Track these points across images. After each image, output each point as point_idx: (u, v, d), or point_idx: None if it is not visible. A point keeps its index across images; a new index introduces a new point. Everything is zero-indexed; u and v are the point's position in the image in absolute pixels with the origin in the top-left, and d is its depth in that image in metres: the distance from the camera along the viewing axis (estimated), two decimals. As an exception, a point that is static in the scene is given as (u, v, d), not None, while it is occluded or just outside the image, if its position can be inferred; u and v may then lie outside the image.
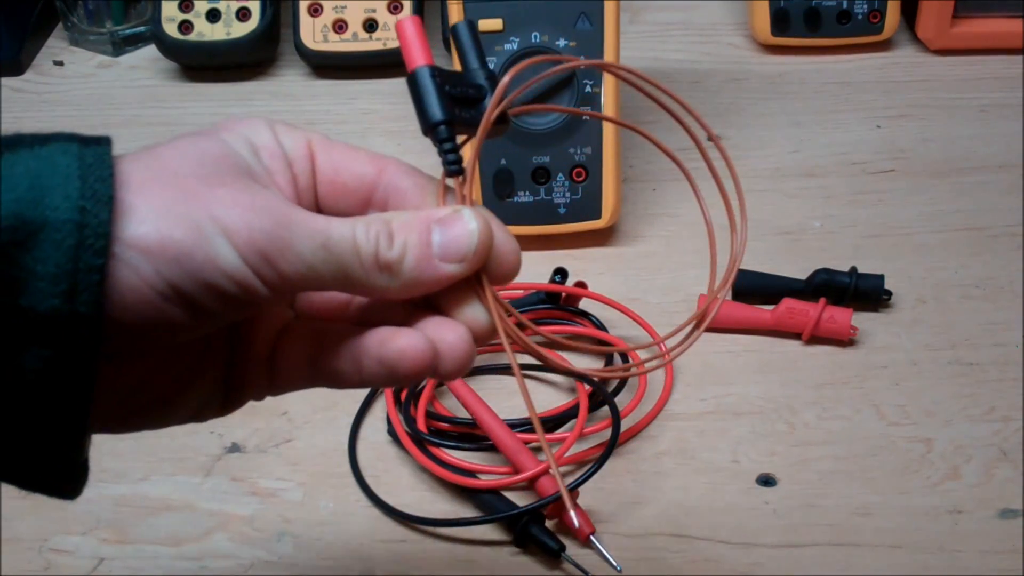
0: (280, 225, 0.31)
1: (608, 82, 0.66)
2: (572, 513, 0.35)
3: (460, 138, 0.35)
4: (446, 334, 0.34)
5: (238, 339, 0.35)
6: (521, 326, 0.35)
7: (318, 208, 0.35)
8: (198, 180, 0.31)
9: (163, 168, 0.31)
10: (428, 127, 0.34)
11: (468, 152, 0.34)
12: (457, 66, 0.36)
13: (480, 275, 0.34)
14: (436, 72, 0.34)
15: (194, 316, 0.30)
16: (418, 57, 0.34)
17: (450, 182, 0.34)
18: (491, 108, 0.34)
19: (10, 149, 0.29)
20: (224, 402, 0.36)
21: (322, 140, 0.35)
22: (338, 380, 0.35)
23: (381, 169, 0.35)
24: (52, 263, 0.28)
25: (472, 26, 0.36)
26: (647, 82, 0.36)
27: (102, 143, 0.30)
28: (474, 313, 0.34)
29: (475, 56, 0.36)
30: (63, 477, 0.32)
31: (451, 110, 0.34)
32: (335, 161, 0.35)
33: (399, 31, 0.34)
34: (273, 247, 0.30)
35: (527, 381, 0.61)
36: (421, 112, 0.34)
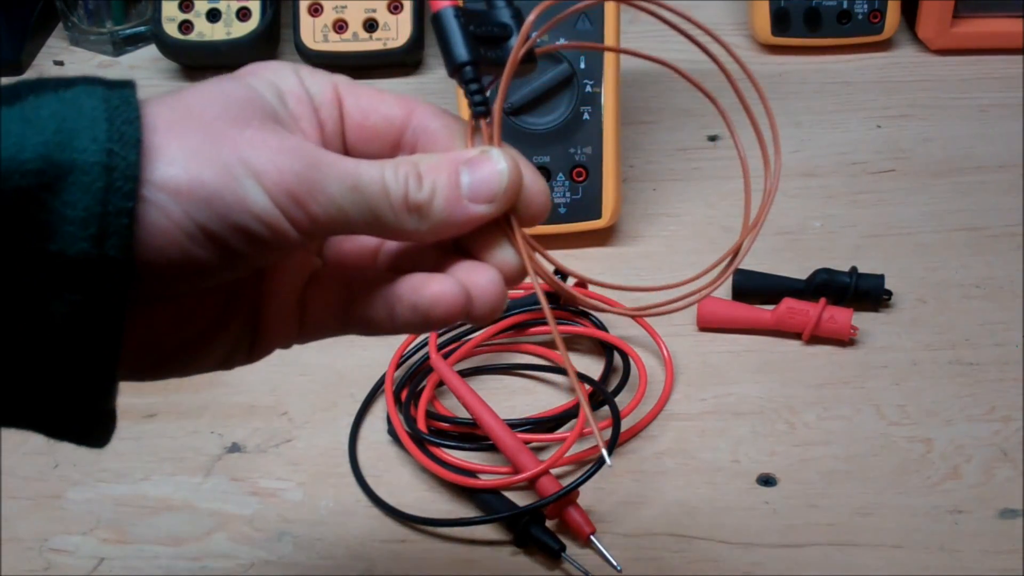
0: (310, 167, 0.31)
1: (608, 82, 0.66)
2: (597, 433, 0.34)
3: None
4: (478, 278, 0.33)
5: (266, 286, 0.35)
6: (561, 278, 0.35)
7: (347, 152, 0.35)
8: (225, 122, 0.30)
9: (189, 110, 0.31)
10: (453, 68, 0.34)
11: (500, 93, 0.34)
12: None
13: (509, 217, 0.33)
14: (460, 12, 0.34)
15: (223, 259, 0.30)
16: None
17: (477, 123, 0.34)
18: (518, 46, 0.33)
19: (35, 92, 0.29)
20: (251, 349, 0.36)
21: (348, 83, 0.35)
22: (371, 327, 0.35)
23: (410, 111, 0.35)
24: (81, 207, 0.28)
25: None
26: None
27: (127, 86, 0.30)
28: (504, 255, 0.34)
29: None
30: (91, 425, 0.32)
31: (476, 50, 0.33)
32: (363, 105, 0.35)
33: None
34: (303, 189, 0.30)
35: (527, 381, 0.61)
36: (446, 53, 0.34)
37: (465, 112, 0.68)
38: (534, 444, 0.56)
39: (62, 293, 0.28)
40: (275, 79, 0.33)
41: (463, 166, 0.33)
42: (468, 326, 0.62)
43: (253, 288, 0.35)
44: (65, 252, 0.28)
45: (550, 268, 0.35)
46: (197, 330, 0.34)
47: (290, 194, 0.30)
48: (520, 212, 0.34)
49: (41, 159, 0.27)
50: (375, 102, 0.35)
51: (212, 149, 0.30)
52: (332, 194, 0.31)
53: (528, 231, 0.35)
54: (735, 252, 0.37)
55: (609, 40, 0.66)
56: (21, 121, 0.28)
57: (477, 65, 0.34)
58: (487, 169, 0.33)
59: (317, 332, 0.36)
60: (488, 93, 0.34)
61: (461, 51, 0.33)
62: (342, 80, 0.35)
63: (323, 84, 0.34)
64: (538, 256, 0.34)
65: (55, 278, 0.28)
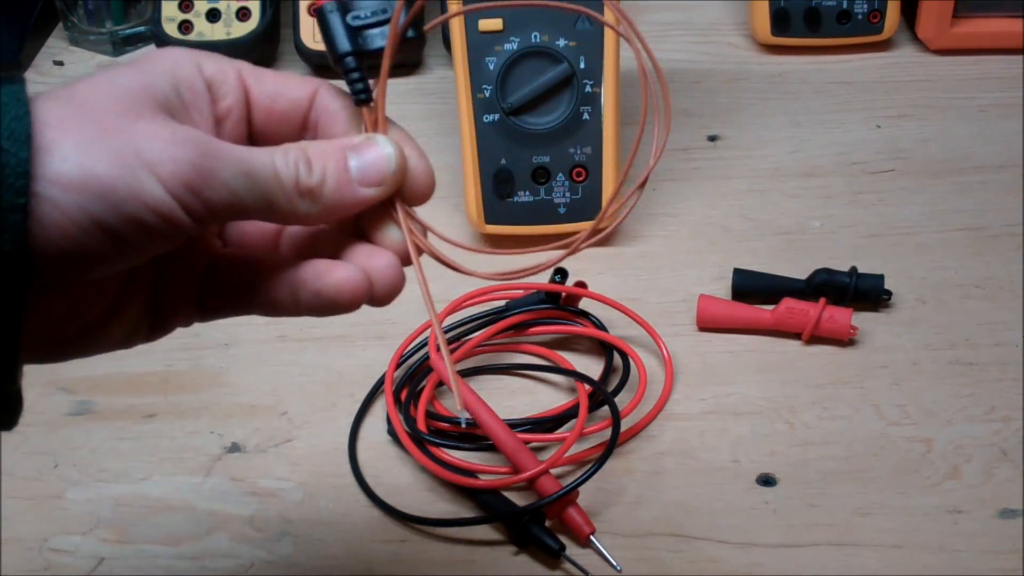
0: (203, 155, 0.31)
1: (608, 82, 0.66)
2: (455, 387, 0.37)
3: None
4: (377, 262, 0.35)
5: (165, 267, 0.36)
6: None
7: (254, 136, 0.36)
8: (118, 115, 0.31)
9: (81, 104, 0.31)
10: (335, 59, 0.36)
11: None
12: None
13: (393, 199, 0.36)
14: (340, 5, 0.36)
15: (118, 249, 0.31)
16: None
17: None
18: (391, 38, 0.35)
19: None
20: (151, 329, 0.37)
21: (252, 69, 0.36)
22: (273, 309, 0.36)
23: (314, 92, 0.36)
24: None
25: None
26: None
27: (17, 81, 0.30)
28: (394, 235, 0.36)
29: None
30: None
31: (355, 40, 0.35)
32: (269, 90, 0.36)
33: None
34: (198, 177, 0.31)
35: (527, 381, 0.61)
36: (328, 46, 0.36)
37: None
38: (534, 444, 0.56)
39: None
40: (173, 68, 0.34)
41: (350, 151, 0.35)
42: (468, 326, 0.62)
43: (152, 271, 0.36)
44: None
45: (449, 249, 0.37)
46: (96, 314, 0.35)
47: (185, 183, 0.31)
48: (406, 193, 0.36)
49: None
50: (281, 86, 0.36)
51: (105, 142, 0.30)
52: (226, 181, 0.32)
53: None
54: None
55: (609, 40, 0.66)
56: None
57: (358, 55, 0.36)
58: (373, 153, 0.35)
59: (218, 312, 0.37)
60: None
61: (340, 43, 0.36)
62: (245, 66, 0.36)
63: (226, 71, 0.35)
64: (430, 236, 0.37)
65: None
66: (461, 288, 0.62)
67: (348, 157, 0.35)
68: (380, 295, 0.36)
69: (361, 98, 0.36)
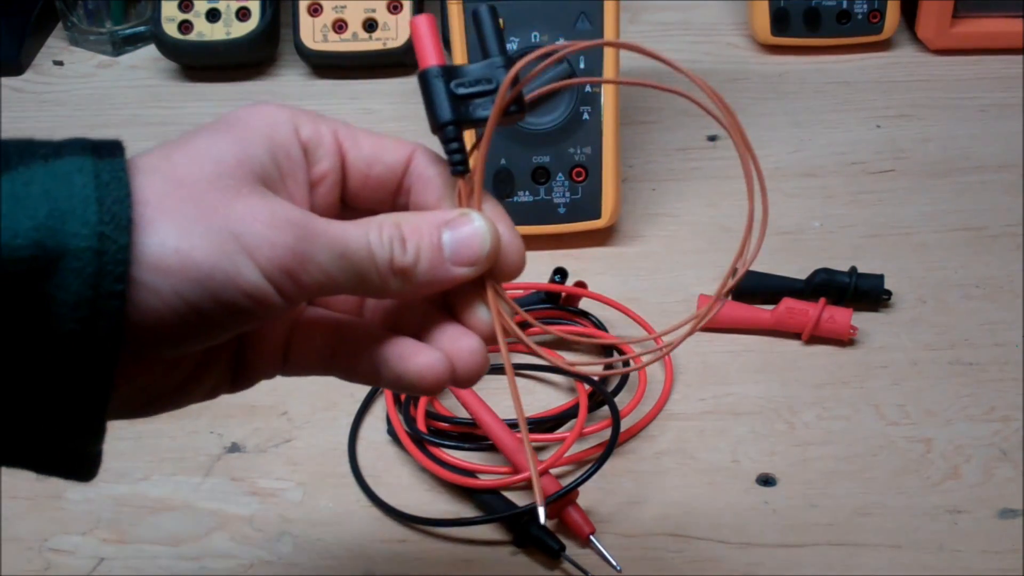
0: (301, 239, 0.31)
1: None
2: (537, 491, 0.36)
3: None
4: (461, 347, 0.35)
5: (250, 333, 0.35)
6: (525, 325, 0.35)
7: (343, 201, 0.35)
8: (217, 191, 0.30)
9: (180, 180, 0.30)
10: (435, 127, 0.34)
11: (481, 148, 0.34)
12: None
13: (483, 278, 0.35)
14: (445, 71, 0.34)
15: (209, 330, 0.31)
16: (429, 57, 0.34)
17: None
18: (495, 111, 0.34)
19: (24, 161, 0.29)
20: (234, 383, 0.36)
21: (348, 131, 0.35)
22: (354, 377, 0.36)
23: (410, 156, 0.35)
24: (72, 291, 0.28)
25: (493, 12, 0.36)
26: (650, 55, 0.36)
27: (115, 153, 0.30)
28: (481, 313, 0.35)
29: (495, 43, 0.35)
30: (80, 464, 0.32)
31: (458, 110, 0.34)
32: (366, 154, 0.35)
33: (413, 29, 0.35)
34: (295, 262, 0.31)
35: (527, 381, 0.61)
36: (430, 112, 0.34)
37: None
38: (534, 444, 0.56)
39: (54, 361, 0.28)
40: (270, 132, 0.33)
41: (445, 228, 0.34)
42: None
43: (237, 335, 0.35)
44: (58, 329, 0.28)
45: (521, 332, 0.36)
46: (182, 378, 0.35)
47: (282, 268, 0.30)
48: (497, 270, 0.35)
49: (34, 245, 0.27)
50: (378, 150, 0.35)
51: (204, 223, 0.30)
52: (322, 263, 0.31)
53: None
54: (700, 318, 0.38)
55: (608, 39, 0.66)
56: (11, 199, 0.28)
57: (458, 125, 0.34)
58: (468, 231, 0.34)
59: (301, 370, 0.37)
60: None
61: (442, 112, 0.34)
62: (342, 128, 0.35)
63: (323, 133, 0.34)
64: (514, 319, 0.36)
65: (47, 350, 0.28)
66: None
67: (443, 234, 0.34)
68: (462, 379, 0.35)
69: (459, 169, 0.35)
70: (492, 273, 0.35)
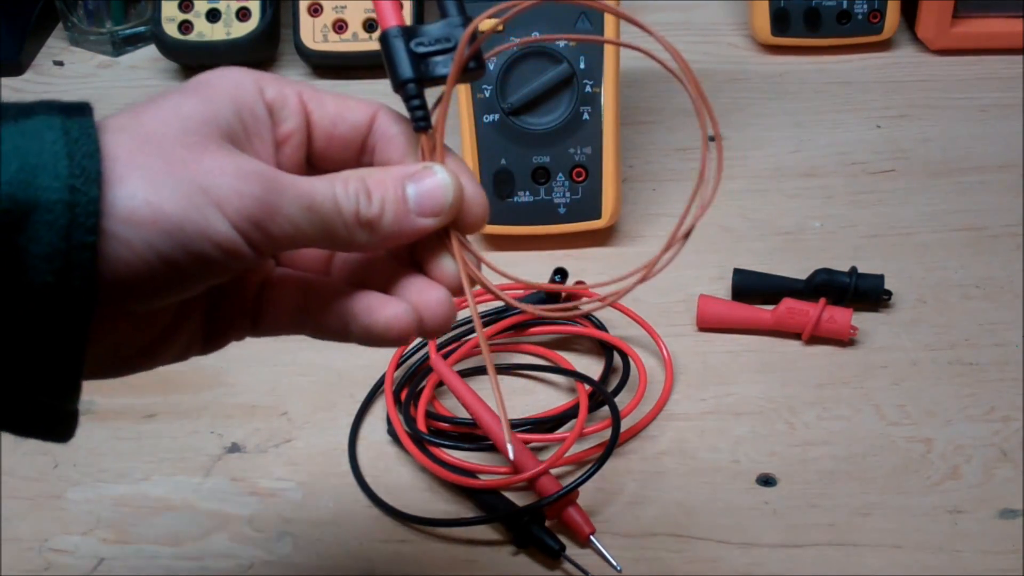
0: (268, 190, 0.32)
1: (608, 82, 0.66)
2: (508, 445, 0.38)
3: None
4: (428, 298, 0.35)
5: (219, 289, 0.36)
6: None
7: (313, 159, 0.36)
8: (184, 147, 0.31)
9: (148, 137, 0.31)
10: (396, 86, 0.36)
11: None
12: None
13: (448, 229, 0.36)
14: (405, 31, 0.35)
15: (181, 282, 0.31)
16: (389, 18, 0.36)
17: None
18: (455, 66, 0.35)
19: None
20: (205, 344, 0.37)
21: (313, 92, 0.36)
22: (324, 334, 0.37)
23: (374, 115, 0.36)
24: (45, 242, 0.28)
25: None
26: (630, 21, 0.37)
27: (84, 113, 0.30)
28: (447, 264, 0.36)
29: (454, 4, 0.37)
30: (56, 423, 0.33)
31: (418, 68, 0.35)
32: (330, 114, 0.36)
33: None
34: (263, 212, 0.31)
35: (526, 381, 0.61)
36: (391, 71, 0.36)
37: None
38: (534, 444, 0.56)
39: (29, 315, 0.29)
40: (235, 92, 0.34)
41: (408, 181, 0.35)
42: (468, 326, 0.62)
43: (207, 292, 0.36)
44: (32, 283, 0.29)
45: (494, 276, 0.37)
46: (154, 335, 0.35)
47: (250, 219, 0.31)
48: (460, 223, 0.36)
49: (6, 199, 0.28)
50: (342, 110, 0.36)
51: (172, 177, 0.30)
52: (290, 215, 0.32)
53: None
54: (650, 267, 0.38)
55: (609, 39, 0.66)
56: None
57: (419, 82, 0.35)
58: (431, 183, 0.35)
59: (271, 330, 0.38)
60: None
61: (402, 70, 0.35)
62: (306, 89, 0.36)
63: (287, 95, 0.35)
64: (483, 265, 0.37)
65: (23, 305, 0.29)
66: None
67: (406, 186, 0.34)
68: (430, 330, 0.36)
69: (421, 125, 0.36)
70: (456, 225, 0.36)
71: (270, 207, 0.32)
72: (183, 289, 0.32)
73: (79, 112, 0.30)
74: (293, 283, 0.37)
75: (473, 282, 0.36)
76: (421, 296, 0.35)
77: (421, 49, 0.35)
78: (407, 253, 0.37)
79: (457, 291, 0.36)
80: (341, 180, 0.34)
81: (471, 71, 0.36)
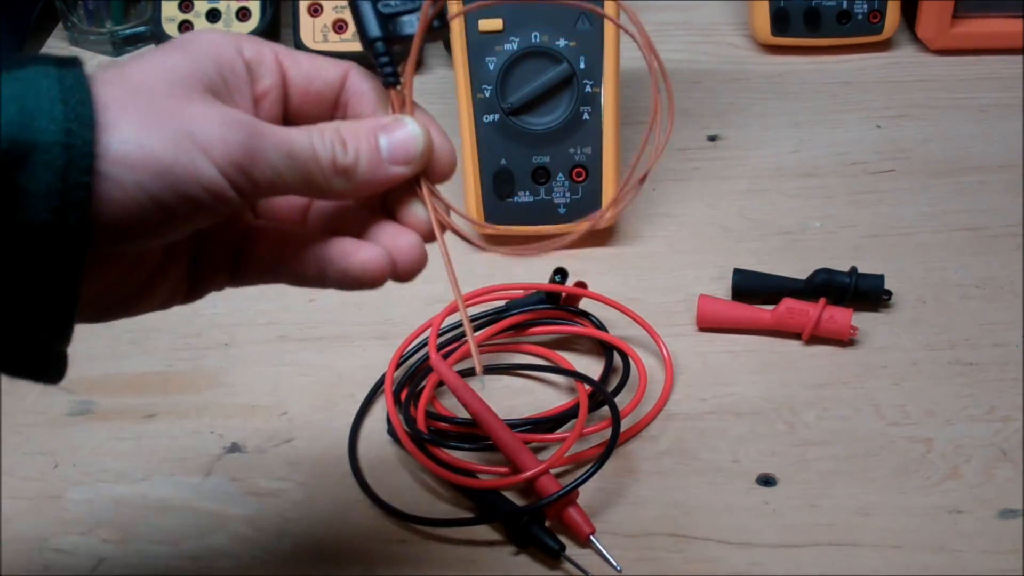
0: (251, 137, 0.34)
1: (608, 82, 0.66)
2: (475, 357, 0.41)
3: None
4: (400, 242, 0.38)
5: (203, 237, 0.38)
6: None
7: (290, 115, 0.38)
8: (171, 98, 0.33)
9: (136, 87, 0.33)
10: (365, 44, 0.38)
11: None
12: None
13: (419, 178, 0.38)
14: None
15: (170, 223, 0.33)
16: None
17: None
18: (421, 24, 0.37)
19: None
20: (188, 292, 0.40)
21: (287, 52, 0.38)
22: (302, 281, 0.39)
23: (346, 73, 0.39)
24: (44, 182, 0.30)
25: None
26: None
27: (76, 65, 0.32)
28: (418, 211, 0.38)
29: None
30: (48, 364, 0.35)
31: (386, 27, 0.37)
32: (305, 72, 0.38)
33: None
34: (246, 158, 0.33)
35: (526, 381, 0.61)
36: (360, 30, 0.38)
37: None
38: (534, 444, 0.56)
39: (27, 253, 0.31)
40: (216, 50, 0.36)
41: (381, 132, 0.37)
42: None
43: (191, 241, 0.38)
44: (30, 221, 0.30)
45: (463, 224, 0.39)
46: (142, 279, 0.37)
47: (235, 163, 0.33)
48: (431, 172, 0.38)
49: (7, 140, 0.30)
50: (316, 68, 0.38)
51: (161, 124, 0.32)
52: (271, 161, 0.34)
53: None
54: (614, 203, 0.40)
55: (609, 40, 0.66)
56: None
57: (387, 41, 0.38)
58: (402, 134, 0.37)
59: (250, 279, 0.40)
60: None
61: (371, 28, 0.37)
62: (281, 49, 0.38)
63: (264, 53, 0.37)
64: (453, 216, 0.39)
65: (21, 242, 0.31)
66: (465, 288, 0.62)
67: (379, 137, 0.37)
68: (403, 273, 0.38)
69: (390, 81, 0.38)
70: (426, 174, 0.38)
71: (253, 153, 0.33)
72: (172, 230, 0.34)
73: (71, 64, 0.32)
74: (272, 233, 0.39)
75: (444, 227, 0.39)
76: (394, 241, 0.38)
77: (388, 10, 0.37)
78: (379, 203, 0.39)
79: (428, 236, 0.38)
80: (318, 131, 0.36)
81: (436, 30, 0.38)
